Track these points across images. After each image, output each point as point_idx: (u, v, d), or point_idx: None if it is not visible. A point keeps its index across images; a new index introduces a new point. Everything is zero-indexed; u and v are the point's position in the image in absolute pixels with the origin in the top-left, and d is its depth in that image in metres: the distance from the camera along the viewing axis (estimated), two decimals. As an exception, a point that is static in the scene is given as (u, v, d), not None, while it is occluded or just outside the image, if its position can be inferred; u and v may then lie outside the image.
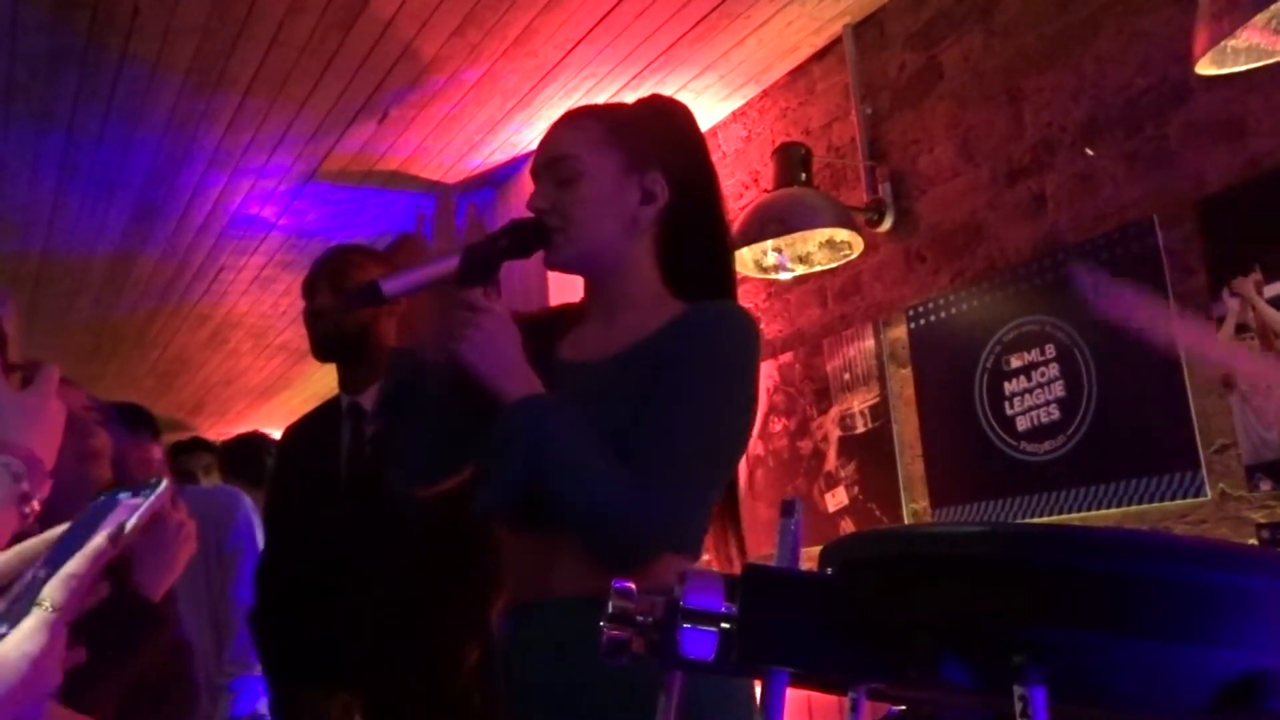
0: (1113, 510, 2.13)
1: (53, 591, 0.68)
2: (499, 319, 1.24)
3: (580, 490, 1.17)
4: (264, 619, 2.10)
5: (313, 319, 2.05)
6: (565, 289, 3.42)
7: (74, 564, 0.69)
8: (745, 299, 3.21)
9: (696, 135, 1.39)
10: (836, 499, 2.82)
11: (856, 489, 2.77)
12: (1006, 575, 0.57)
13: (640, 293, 1.33)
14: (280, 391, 6.07)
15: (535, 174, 1.35)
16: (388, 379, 1.34)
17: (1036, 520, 2.26)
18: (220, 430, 6.07)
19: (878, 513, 2.69)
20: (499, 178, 3.65)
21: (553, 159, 1.33)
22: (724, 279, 1.36)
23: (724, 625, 0.69)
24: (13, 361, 0.78)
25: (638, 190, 1.32)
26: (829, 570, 0.67)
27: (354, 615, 1.93)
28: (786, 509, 0.71)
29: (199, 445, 3.67)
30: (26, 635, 0.66)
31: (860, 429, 2.78)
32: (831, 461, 2.85)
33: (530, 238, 1.32)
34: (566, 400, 1.22)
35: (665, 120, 1.38)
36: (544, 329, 1.39)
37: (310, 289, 2.08)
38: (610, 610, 0.90)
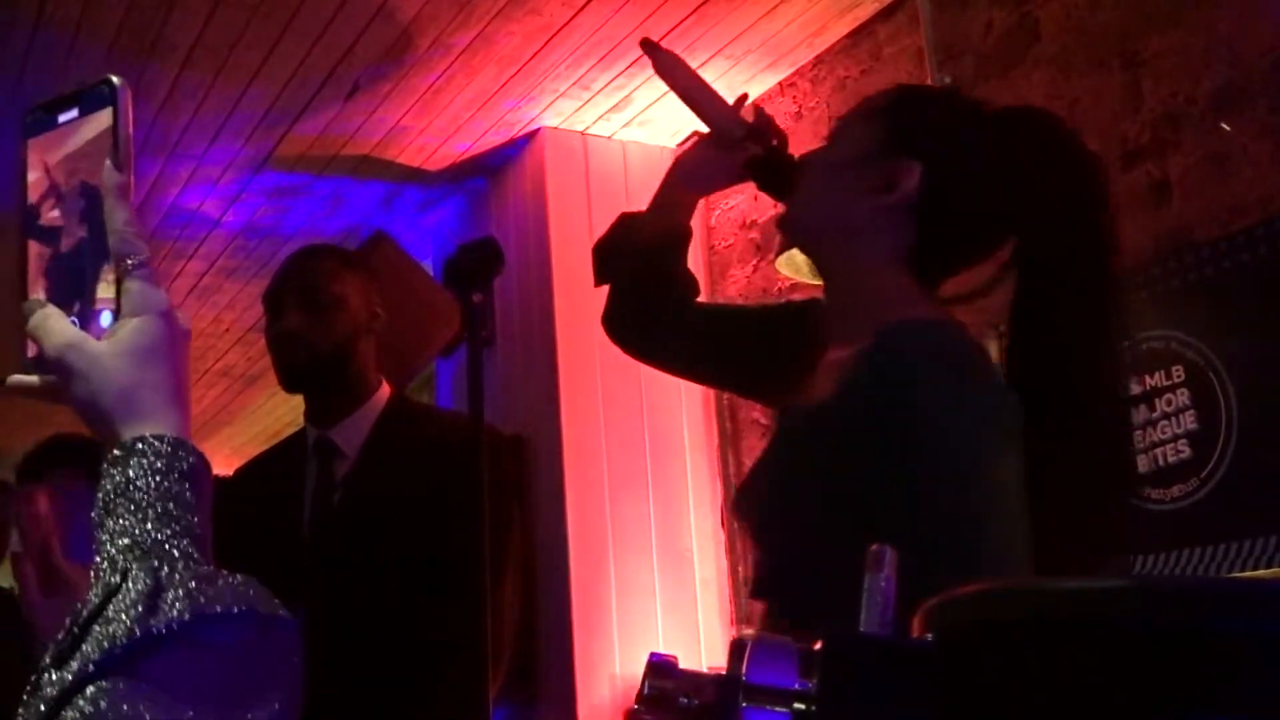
0: (1260, 572, 2.10)
1: (123, 246, 0.75)
2: None
3: None
4: None
5: (281, 341, 2.06)
6: (572, 316, 3.42)
7: (118, 213, 0.75)
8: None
9: (1037, 152, 1.29)
10: (911, 558, 2.81)
11: (936, 546, 2.75)
12: (1161, 644, 0.56)
13: (874, 305, 1.28)
14: (221, 427, 6.09)
15: None
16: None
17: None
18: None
19: (963, 575, 2.67)
20: (492, 163, 3.67)
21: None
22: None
23: (798, 705, 0.68)
24: None
25: (881, 174, 1.29)
26: (929, 636, 0.67)
27: (309, 712, 1.92)
28: (875, 560, 0.71)
29: None
30: (140, 293, 0.75)
31: (940, 471, 2.76)
32: (905, 512, 2.83)
33: (774, 171, 1.42)
34: None
35: (987, 118, 1.33)
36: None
37: (274, 303, 2.09)
38: (646, 691, 0.90)
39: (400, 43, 3.02)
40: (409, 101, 3.30)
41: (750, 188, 3.14)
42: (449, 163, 3.66)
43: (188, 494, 0.72)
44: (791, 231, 1.45)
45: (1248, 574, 2.12)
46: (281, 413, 5.57)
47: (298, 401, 2.14)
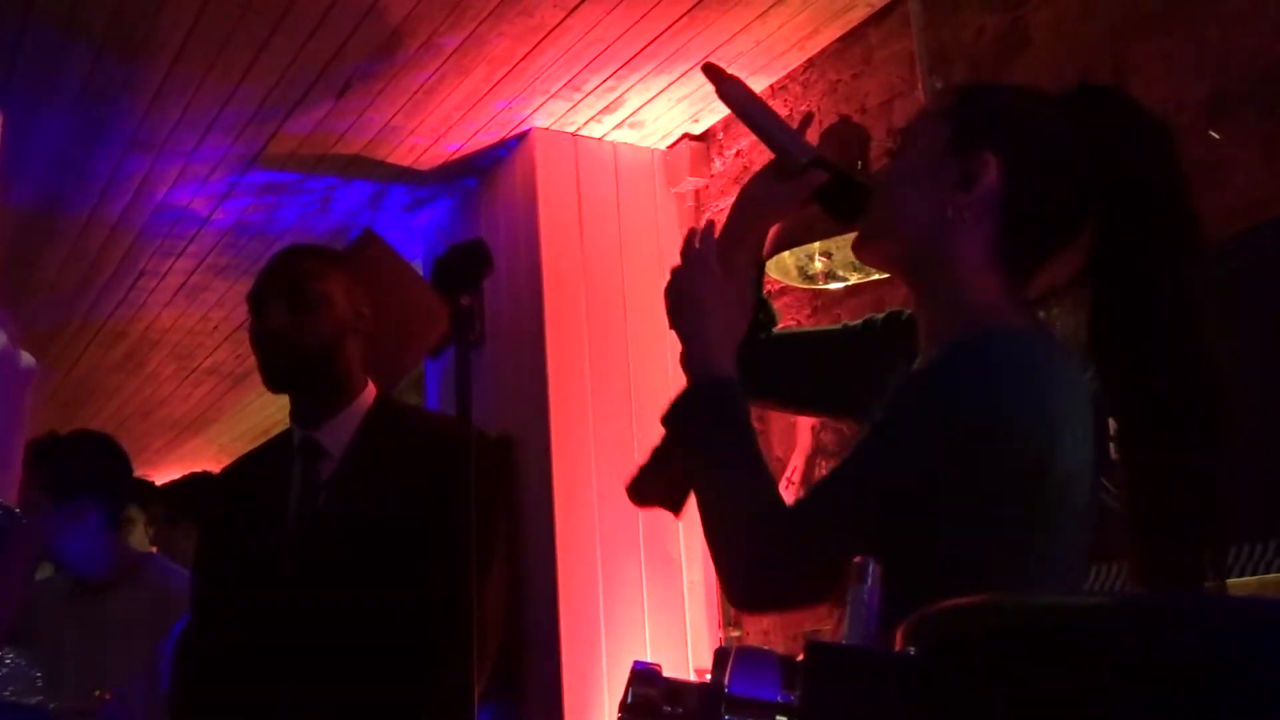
0: (1246, 579, 2.11)
1: None
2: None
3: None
4: (180, 712, 2.09)
5: (266, 340, 2.05)
6: (562, 318, 3.41)
7: None
8: (786, 313, 3.21)
9: (1113, 129, 1.29)
10: (899, 562, 2.80)
11: (924, 550, 2.75)
12: (1141, 659, 0.56)
13: (966, 309, 1.28)
14: (209, 425, 6.07)
15: None
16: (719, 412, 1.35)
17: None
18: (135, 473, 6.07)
19: (950, 580, 2.67)
20: (483, 164, 3.67)
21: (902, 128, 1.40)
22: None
23: (780, 718, 0.68)
24: None
25: (957, 171, 1.28)
26: (912, 650, 0.66)
27: (294, 712, 1.92)
28: (858, 572, 0.70)
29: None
30: None
31: (928, 476, 2.75)
32: (892, 516, 2.83)
33: (845, 195, 1.39)
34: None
35: (1057, 102, 1.32)
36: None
37: (259, 302, 2.08)
38: (629, 699, 0.89)
39: (391, 42, 3.01)
40: (400, 101, 3.29)
41: (739, 190, 3.12)
42: (439, 162, 3.66)
43: None
44: (872, 251, 1.39)
45: (1231, 582, 2.12)
46: (270, 411, 5.56)
47: (286, 400, 2.13)
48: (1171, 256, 1.23)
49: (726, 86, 1.48)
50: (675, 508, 1.41)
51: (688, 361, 1.37)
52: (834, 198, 1.41)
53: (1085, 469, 1.22)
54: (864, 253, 1.40)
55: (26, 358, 0.73)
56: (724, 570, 1.26)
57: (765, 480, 1.26)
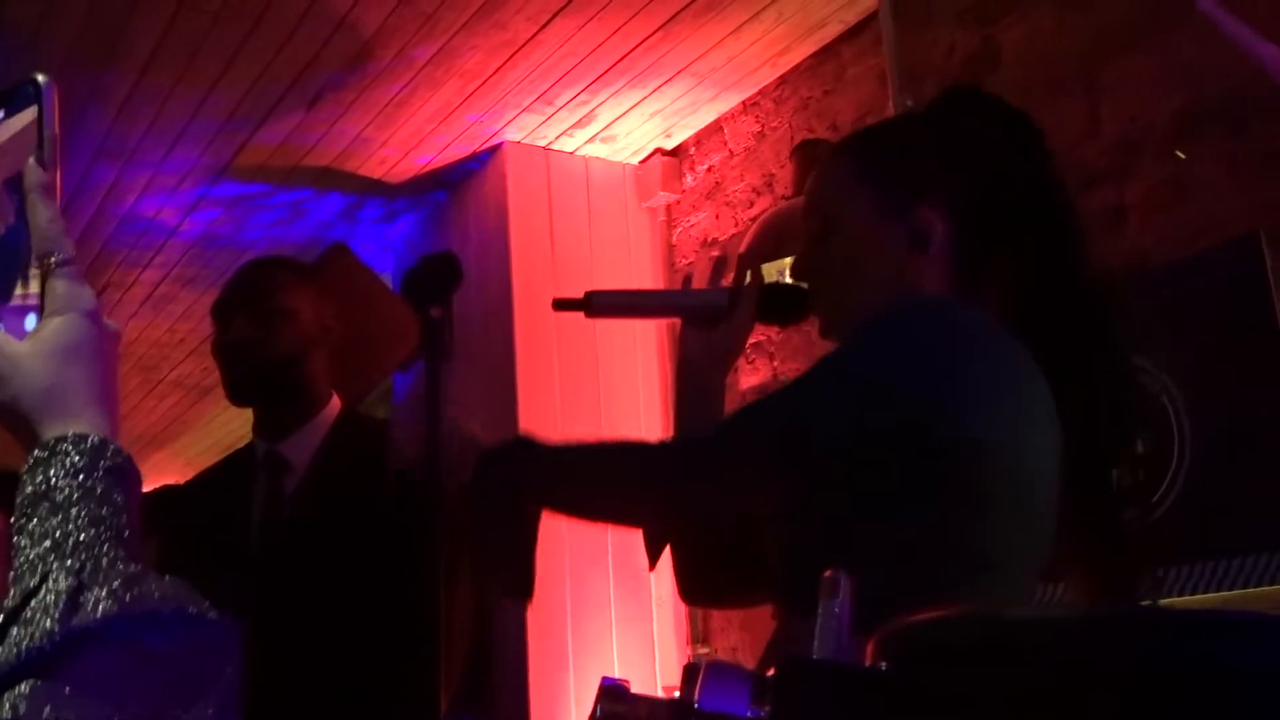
0: (1215, 594, 2.11)
1: (46, 244, 0.72)
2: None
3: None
4: None
5: (230, 352, 2.03)
6: (532, 332, 3.39)
7: (41, 210, 0.73)
8: (760, 330, 3.21)
9: (1001, 133, 1.35)
10: (868, 579, 2.80)
11: (893, 567, 2.75)
12: (1113, 672, 0.55)
13: None
14: (174, 439, 6.01)
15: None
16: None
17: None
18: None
19: (920, 597, 2.67)
20: (454, 177, 3.66)
21: (806, 210, 1.37)
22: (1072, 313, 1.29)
23: (750, 733, 0.67)
24: None
25: (903, 234, 1.29)
26: (883, 664, 0.66)
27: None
28: (829, 587, 0.70)
29: None
30: (64, 292, 0.71)
31: (898, 492, 2.76)
32: (862, 532, 2.83)
33: (785, 303, 1.41)
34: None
35: (948, 125, 1.35)
36: None
37: (224, 314, 2.06)
38: (598, 715, 0.88)
39: (363, 54, 3.00)
40: (371, 113, 3.28)
41: (710, 205, 3.14)
42: (410, 175, 3.64)
43: (114, 493, 0.69)
44: (844, 329, 1.36)
45: (1195, 599, 2.13)
46: (236, 425, 5.51)
47: (252, 414, 2.11)
48: (1052, 255, 1.29)
49: (594, 306, 1.48)
50: (526, 593, 1.40)
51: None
52: (775, 311, 1.43)
53: (1013, 446, 1.19)
54: (842, 333, 1.38)
55: (111, 322, 0.76)
56: (646, 499, 1.30)
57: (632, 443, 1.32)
